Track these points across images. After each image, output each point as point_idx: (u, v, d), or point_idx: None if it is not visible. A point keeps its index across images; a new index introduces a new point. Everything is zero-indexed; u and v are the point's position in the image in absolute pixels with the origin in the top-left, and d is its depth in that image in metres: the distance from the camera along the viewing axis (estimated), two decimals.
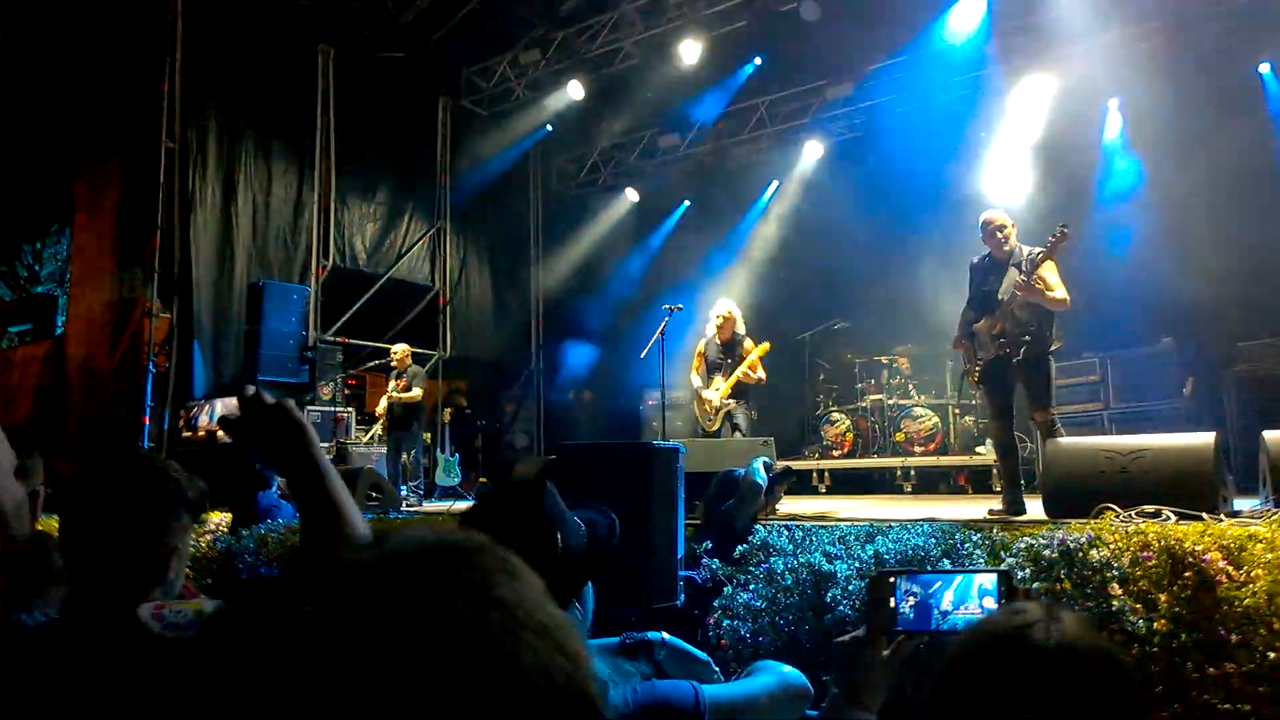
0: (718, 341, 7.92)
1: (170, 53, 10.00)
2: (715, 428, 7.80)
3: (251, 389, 1.39)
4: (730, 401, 7.76)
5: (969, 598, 1.62)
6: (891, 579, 1.67)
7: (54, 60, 10.80)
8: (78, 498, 1.62)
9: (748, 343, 7.83)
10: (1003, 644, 1.06)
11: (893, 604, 1.65)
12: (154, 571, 1.65)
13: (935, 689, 1.09)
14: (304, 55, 11.47)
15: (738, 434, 7.74)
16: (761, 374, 7.78)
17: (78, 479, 1.65)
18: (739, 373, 7.66)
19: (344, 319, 11.72)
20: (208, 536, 7.09)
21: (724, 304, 7.99)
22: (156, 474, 1.69)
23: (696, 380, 7.99)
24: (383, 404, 10.07)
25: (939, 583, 1.65)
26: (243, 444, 1.39)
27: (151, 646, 1.24)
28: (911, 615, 1.64)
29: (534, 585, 0.63)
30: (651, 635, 2.15)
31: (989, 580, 1.65)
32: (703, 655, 2.20)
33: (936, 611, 1.63)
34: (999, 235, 5.66)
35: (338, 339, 11.58)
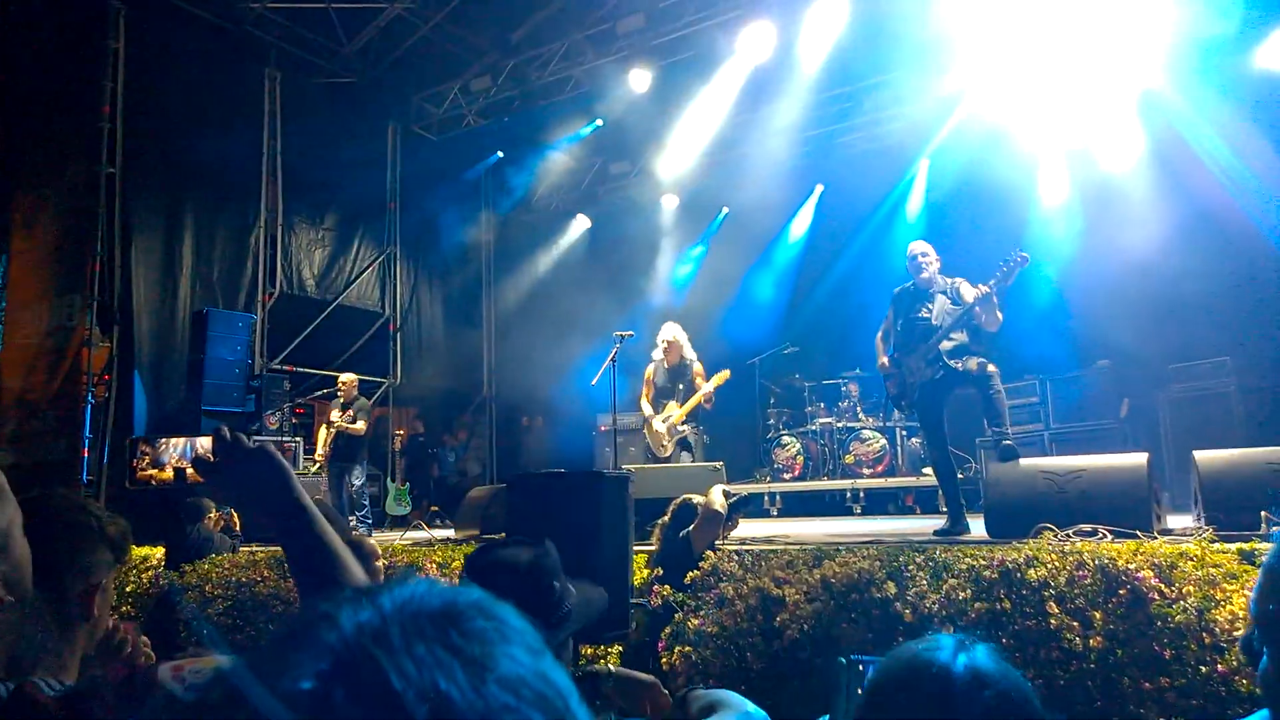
0: (665, 366, 7.94)
1: (111, 77, 9.84)
2: (668, 453, 7.81)
3: (227, 430, 1.33)
4: (684, 427, 7.79)
5: None
6: (861, 666, 1.69)
7: None
8: None
9: (697, 365, 7.86)
10: (912, 672, 1.11)
11: (860, 692, 1.66)
12: (78, 610, 1.64)
13: (857, 717, 1.13)
14: (250, 80, 11.36)
15: (687, 455, 7.76)
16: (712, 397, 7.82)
17: None
18: (697, 399, 7.67)
19: (291, 347, 11.54)
20: (149, 573, 6.95)
21: (670, 328, 8.01)
22: (74, 512, 1.68)
23: (647, 408, 8.00)
24: (323, 432, 9.91)
25: None
26: (219, 488, 1.33)
27: (177, 711, 1.22)
28: None
29: (532, 647, 0.63)
30: (599, 670, 2.17)
31: None
32: (648, 678, 2.22)
33: None
34: (920, 261, 5.93)
35: (285, 367, 11.40)
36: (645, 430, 8.10)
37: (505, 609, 0.65)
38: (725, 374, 7.92)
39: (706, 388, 7.69)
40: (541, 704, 0.58)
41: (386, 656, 0.57)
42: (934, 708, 1.07)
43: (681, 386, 7.81)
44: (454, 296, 14.28)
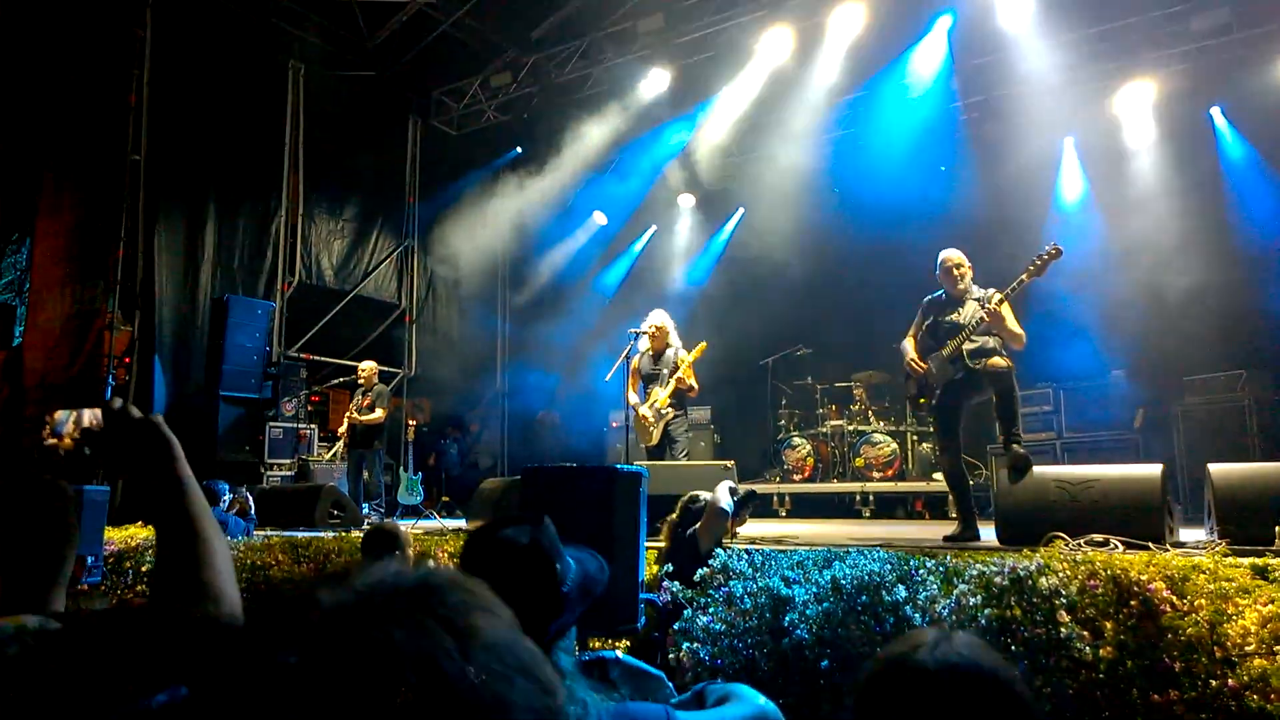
0: (651, 353, 7.85)
1: (138, 65, 9.94)
2: (654, 441, 7.71)
3: (119, 401, 1.34)
4: (669, 412, 7.69)
5: None
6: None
7: (18, 70, 10.68)
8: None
9: (681, 353, 7.77)
10: (890, 668, 1.14)
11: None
12: (69, 581, 1.79)
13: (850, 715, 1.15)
14: (274, 71, 11.46)
15: (677, 447, 7.66)
16: (694, 382, 7.69)
17: None
18: (675, 379, 7.58)
19: (308, 335, 11.65)
20: None
21: (657, 315, 7.91)
22: (58, 495, 1.81)
23: (633, 397, 7.88)
24: (345, 423, 10.02)
25: None
26: (104, 457, 1.33)
27: None
28: None
29: (507, 619, 0.65)
30: (606, 654, 2.18)
31: None
32: (656, 672, 2.24)
33: None
34: (955, 273, 5.75)
35: (302, 355, 11.51)
36: (633, 419, 7.90)
37: (479, 583, 0.66)
38: (703, 346, 7.78)
39: (687, 360, 7.60)
40: (523, 671, 0.61)
41: (374, 628, 0.58)
42: (905, 701, 1.10)
43: (666, 373, 7.70)
44: (470, 290, 14.34)
